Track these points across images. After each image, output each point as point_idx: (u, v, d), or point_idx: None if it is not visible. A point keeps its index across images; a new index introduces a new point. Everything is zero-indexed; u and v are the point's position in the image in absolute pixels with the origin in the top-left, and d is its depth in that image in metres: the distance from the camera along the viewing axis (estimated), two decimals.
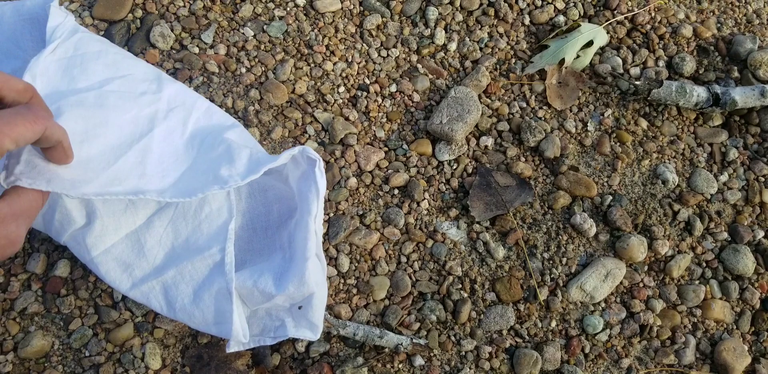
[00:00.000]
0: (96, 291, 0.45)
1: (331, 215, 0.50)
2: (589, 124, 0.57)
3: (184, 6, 0.53)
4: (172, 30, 0.52)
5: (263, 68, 0.53)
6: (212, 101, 0.51)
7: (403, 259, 0.51)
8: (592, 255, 0.53)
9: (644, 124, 0.58)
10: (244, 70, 0.53)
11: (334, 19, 0.56)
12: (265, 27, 0.54)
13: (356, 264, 0.50)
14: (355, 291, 0.49)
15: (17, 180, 0.30)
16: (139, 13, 0.52)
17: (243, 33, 0.54)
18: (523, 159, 0.55)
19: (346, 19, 0.56)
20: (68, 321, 0.45)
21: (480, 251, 0.52)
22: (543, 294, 0.51)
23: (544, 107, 0.57)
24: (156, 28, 0.51)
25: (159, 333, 0.45)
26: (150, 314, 0.45)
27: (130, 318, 0.45)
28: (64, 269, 0.45)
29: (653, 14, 0.61)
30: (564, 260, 0.53)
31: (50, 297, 0.45)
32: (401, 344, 0.45)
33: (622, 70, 0.59)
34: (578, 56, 0.58)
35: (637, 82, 0.57)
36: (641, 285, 0.54)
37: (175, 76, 0.51)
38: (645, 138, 0.57)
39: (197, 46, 0.52)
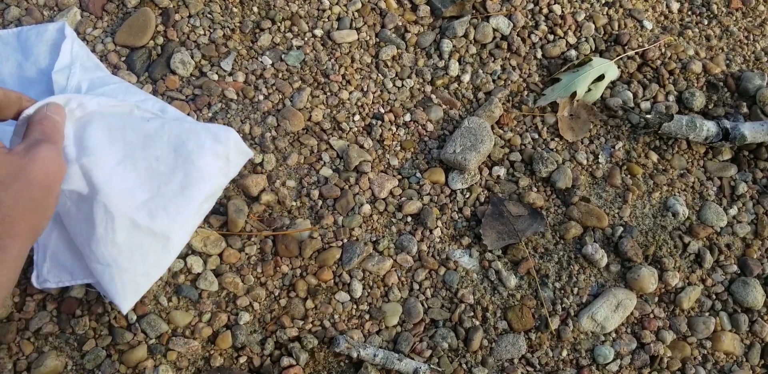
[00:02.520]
0: (112, 313, 0.55)
1: (345, 241, 0.62)
2: (600, 156, 0.70)
3: (205, 34, 0.66)
4: (192, 57, 0.65)
5: (281, 96, 0.66)
6: (230, 126, 0.63)
7: (416, 286, 0.62)
8: (603, 286, 0.65)
9: (654, 157, 0.70)
10: (261, 97, 0.65)
11: (350, 49, 0.69)
12: (283, 56, 0.67)
13: (369, 290, 0.60)
14: (367, 316, 0.60)
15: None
16: (160, 40, 0.65)
17: (261, 61, 0.66)
18: (535, 189, 0.67)
19: (362, 50, 0.70)
20: (82, 341, 0.54)
21: (492, 279, 0.63)
22: (554, 324, 0.62)
23: (556, 139, 0.70)
24: (176, 55, 0.64)
25: (172, 356, 0.55)
26: (164, 336, 0.55)
27: (144, 340, 0.55)
28: (79, 290, 0.55)
29: (663, 50, 0.75)
30: (575, 290, 0.64)
31: (65, 318, 0.55)
32: (419, 368, 0.55)
33: (632, 104, 0.72)
34: (590, 90, 0.71)
35: (648, 116, 0.70)
36: (652, 315, 0.65)
37: (194, 103, 0.63)
38: (655, 171, 0.70)
39: (216, 73, 0.65)
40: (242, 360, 0.56)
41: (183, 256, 0.57)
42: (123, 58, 0.63)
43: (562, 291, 0.64)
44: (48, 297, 0.55)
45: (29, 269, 0.54)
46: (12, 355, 0.53)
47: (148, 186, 0.49)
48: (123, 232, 0.47)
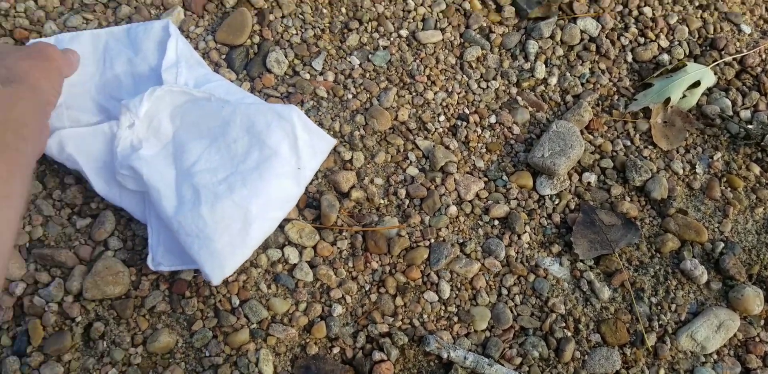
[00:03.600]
0: (217, 296, 0.60)
1: (432, 241, 0.65)
2: (697, 166, 0.72)
3: (297, 34, 0.72)
4: (286, 56, 0.71)
5: (368, 95, 0.71)
6: (321, 124, 0.68)
7: (504, 291, 0.64)
8: (703, 304, 0.66)
9: (757, 169, 0.72)
10: (350, 96, 0.70)
11: (435, 50, 0.74)
12: (370, 56, 0.73)
13: (457, 292, 0.63)
14: (456, 319, 0.62)
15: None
16: (256, 39, 0.71)
17: (350, 61, 0.72)
18: (628, 199, 0.70)
19: (446, 51, 0.75)
20: (191, 321, 0.60)
21: (584, 290, 0.65)
22: (651, 340, 0.63)
23: (650, 146, 0.72)
24: (272, 54, 0.70)
25: (271, 341, 0.59)
26: (264, 322, 0.60)
27: (246, 324, 0.60)
28: (188, 273, 0.61)
29: (763, 56, 0.78)
30: (673, 306, 0.65)
31: (176, 298, 0.60)
32: None
33: (731, 113, 0.74)
34: (684, 96, 0.74)
35: (749, 126, 0.72)
36: (757, 339, 0.65)
37: (288, 100, 0.69)
38: (758, 184, 0.71)
39: (308, 72, 0.71)
40: (335, 350, 0.60)
41: (281, 246, 0.63)
42: (223, 56, 0.70)
43: (659, 307, 0.65)
44: (161, 278, 0.61)
45: (144, 251, 0.61)
46: (130, 330, 0.59)
47: (229, 165, 0.59)
48: (207, 205, 0.56)
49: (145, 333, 0.59)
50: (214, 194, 0.56)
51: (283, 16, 0.73)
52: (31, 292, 0.60)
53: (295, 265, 0.62)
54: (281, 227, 0.63)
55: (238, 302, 0.60)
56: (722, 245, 0.68)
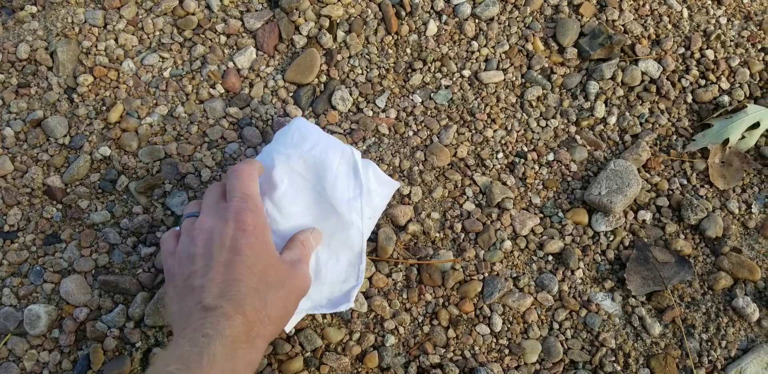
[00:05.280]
0: None
1: (486, 274, 0.77)
2: (753, 206, 0.82)
3: (362, 73, 0.87)
4: (350, 94, 0.85)
5: (429, 132, 0.84)
6: (381, 160, 0.82)
7: (555, 325, 0.76)
8: (753, 341, 0.76)
9: None
10: (411, 133, 0.84)
11: (496, 89, 0.87)
12: (432, 94, 0.86)
13: (509, 325, 0.75)
14: (507, 351, 0.74)
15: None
16: (323, 78, 0.86)
17: (412, 99, 0.86)
18: (682, 236, 0.81)
19: (507, 90, 0.88)
20: None
21: (635, 325, 0.76)
22: None
23: (706, 186, 0.83)
24: (337, 93, 0.85)
25: (324, 369, 0.72)
26: (318, 350, 0.73)
27: (300, 352, 0.73)
28: None
29: None
30: (723, 343, 0.75)
31: None
32: None
33: None
34: (743, 137, 0.85)
35: None
36: None
37: (350, 136, 0.83)
38: None
39: (371, 109, 0.85)
40: None
41: None
42: (291, 94, 0.85)
43: (709, 343, 0.76)
44: None
45: None
46: None
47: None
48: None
49: None
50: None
51: (350, 57, 0.87)
52: (94, 317, 0.75)
53: None
54: None
55: (293, 331, 0.73)
56: None
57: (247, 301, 0.56)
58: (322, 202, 0.71)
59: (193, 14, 0.87)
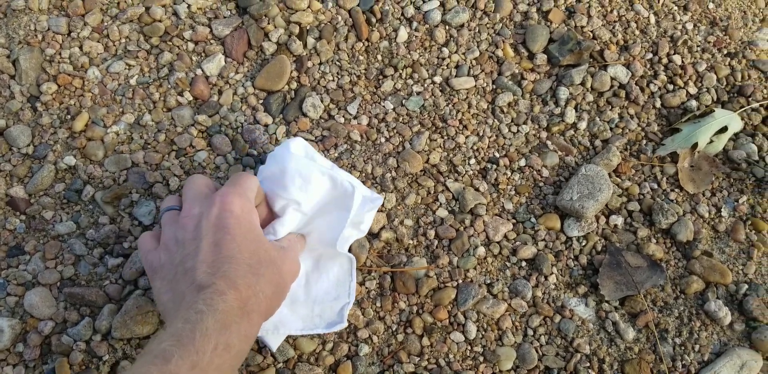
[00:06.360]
0: None
1: (460, 281, 0.76)
2: (723, 209, 0.82)
3: (333, 80, 0.85)
4: (321, 101, 0.83)
5: (401, 139, 0.83)
6: (354, 167, 0.80)
7: (530, 332, 0.74)
8: (726, 344, 0.75)
9: None
10: (383, 139, 0.82)
11: (467, 95, 0.86)
12: (404, 101, 0.85)
13: (483, 333, 0.74)
14: (481, 358, 0.73)
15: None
16: (294, 85, 0.84)
17: (384, 106, 0.84)
18: (654, 241, 0.80)
19: (479, 96, 0.86)
20: None
21: (609, 330, 0.75)
22: None
23: (676, 190, 0.83)
24: (308, 99, 0.83)
25: None
26: (290, 361, 0.71)
27: (273, 363, 0.71)
28: None
29: None
30: (696, 347, 0.75)
31: None
32: None
33: (757, 158, 0.84)
34: (711, 141, 0.85)
35: None
36: None
37: (322, 143, 0.81)
38: None
39: (343, 116, 0.83)
40: None
41: None
42: (260, 101, 0.83)
43: (683, 348, 0.75)
44: None
45: None
46: None
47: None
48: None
49: None
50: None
51: (320, 63, 0.85)
52: (60, 331, 0.72)
53: None
54: None
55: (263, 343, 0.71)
56: (746, 286, 0.78)
57: (239, 276, 0.55)
58: (313, 220, 0.70)
59: (160, 21, 0.85)
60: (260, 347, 0.71)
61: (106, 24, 0.84)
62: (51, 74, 0.81)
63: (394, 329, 0.74)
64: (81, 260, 0.75)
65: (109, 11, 0.85)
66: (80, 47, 0.83)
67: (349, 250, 0.75)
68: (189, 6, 0.85)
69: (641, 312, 0.76)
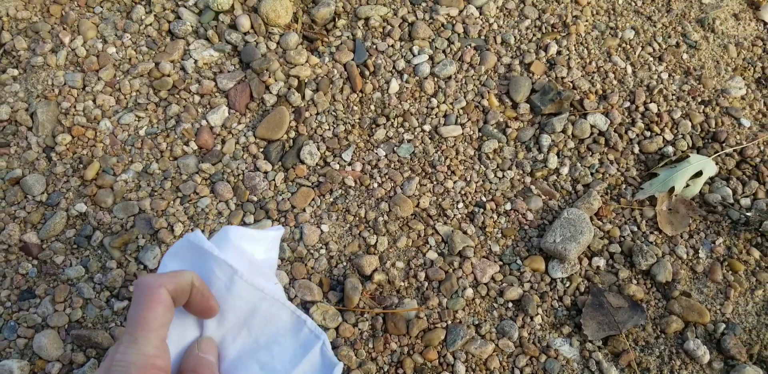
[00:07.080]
0: None
1: (449, 322, 0.79)
2: (700, 251, 0.85)
3: (329, 129, 0.89)
4: (318, 149, 0.88)
5: (392, 184, 0.87)
6: (348, 211, 0.84)
7: (517, 372, 0.77)
8: None
9: (756, 254, 0.85)
10: (376, 185, 0.86)
11: (455, 143, 0.90)
12: (395, 148, 0.89)
13: (472, 373, 0.76)
14: None
15: None
16: (292, 134, 0.89)
17: (377, 153, 0.88)
18: (635, 282, 0.83)
19: (466, 143, 0.91)
20: None
21: (593, 370, 0.77)
22: None
23: (655, 232, 0.86)
24: (305, 147, 0.87)
25: None
26: None
27: None
28: None
29: (762, 148, 0.92)
30: None
31: None
32: None
33: (732, 201, 0.88)
34: (688, 185, 0.88)
35: (749, 214, 0.85)
36: None
37: (318, 189, 0.85)
38: (758, 268, 0.84)
39: (338, 163, 0.87)
40: None
41: None
42: (261, 149, 0.87)
43: None
44: None
45: None
46: None
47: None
48: None
49: None
50: None
51: (317, 113, 0.90)
52: (67, 372, 0.74)
53: None
54: (306, 309, 0.77)
55: None
56: (724, 326, 0.80)
57: None
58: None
59: (169, 76, 0.90)
60: None
61: (118, 78, 0.89)
62: (66, 126, 0.86)
63: (386, 369, 0.76)
64: (89, 304, 0.78)
65: (122, 67, 0.90)
66: (93, 100, 0.88)
67: (342, 290, 0.78)
68: (196, 61, 0.91)
69: (623, 352, 0.79)
